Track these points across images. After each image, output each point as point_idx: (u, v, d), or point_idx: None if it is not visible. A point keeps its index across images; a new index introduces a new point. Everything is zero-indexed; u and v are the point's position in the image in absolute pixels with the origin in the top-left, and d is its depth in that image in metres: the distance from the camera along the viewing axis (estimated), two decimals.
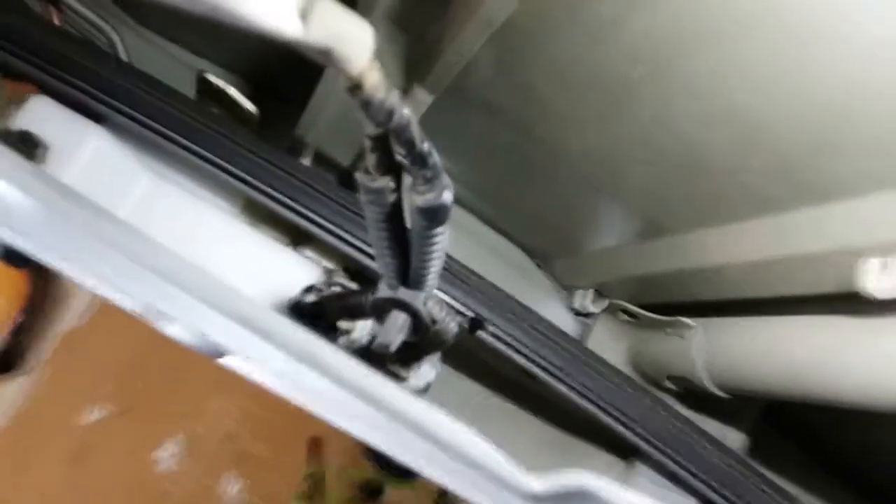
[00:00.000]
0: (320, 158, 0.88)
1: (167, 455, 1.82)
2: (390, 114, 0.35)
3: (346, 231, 0.72)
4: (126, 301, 0.58)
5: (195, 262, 0.69)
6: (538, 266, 1.03)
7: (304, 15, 0.28)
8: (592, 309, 1.01)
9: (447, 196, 0.41)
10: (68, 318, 1.81)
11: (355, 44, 0.31)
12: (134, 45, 0.84)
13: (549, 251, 0.98)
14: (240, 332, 0.53)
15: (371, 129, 0.36)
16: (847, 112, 0.50)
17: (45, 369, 1.83)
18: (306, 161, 0.87)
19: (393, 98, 0.34)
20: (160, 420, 1.84)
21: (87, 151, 0.66)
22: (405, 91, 0.72)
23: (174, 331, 0.64)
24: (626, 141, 0.67)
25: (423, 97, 0.71)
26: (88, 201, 0.51)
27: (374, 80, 0.33)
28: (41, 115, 0.66)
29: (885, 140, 0.52)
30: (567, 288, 1.05)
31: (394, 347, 0.45)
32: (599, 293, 1.01)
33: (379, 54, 0.33)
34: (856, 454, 1.01)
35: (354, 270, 0.76)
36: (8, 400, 1.84)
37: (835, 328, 0.66)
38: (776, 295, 0.68)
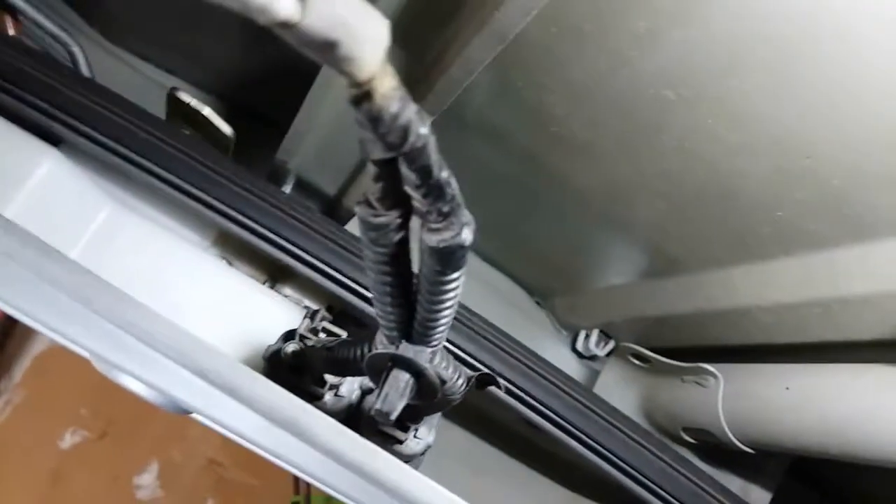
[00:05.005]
0: (303, 186, 0.81)
1: (147, 481, 1.80)
2: (405, 133, 0.27)
3: (331, 266, 0.65)
4: (75, 349, 0.50)
5: (157, 305, 0.61)
6: (537, 304, 0.96)
7: None
8: (597, 351, 0.94)
9: (467, 235, 0.33)
10: (40, 339, 1.75)
11: (366, 38, 0.24)
12: (99, 61, 0.77)
13: (550, 288, 0.91)
14: (206, 390, 0.45)
15: (379, 153, 0.28)
16: None
17: (18, 392, 1.78)
18: (287, 189, 0.79)
19: (409, 112, 0.27)
20: (137, 445, 1.79)
21: (38, 177, 0.58)
22: None
23: (132, 384, 0.55)
24: (645, 172, 0.60)
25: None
26: (31, 237, 0.43)
27: (388, 87, 0.26)
28: None
29: None
30: (568, 327, 0.97)
31: (395, 415, 0.37)
32: (605, 334, 0.93)
33: None
34: None
35: (339, 311, 0.68)
36: None
37: (883, 378, 0.58)
38: (814, 340, 0.61)
